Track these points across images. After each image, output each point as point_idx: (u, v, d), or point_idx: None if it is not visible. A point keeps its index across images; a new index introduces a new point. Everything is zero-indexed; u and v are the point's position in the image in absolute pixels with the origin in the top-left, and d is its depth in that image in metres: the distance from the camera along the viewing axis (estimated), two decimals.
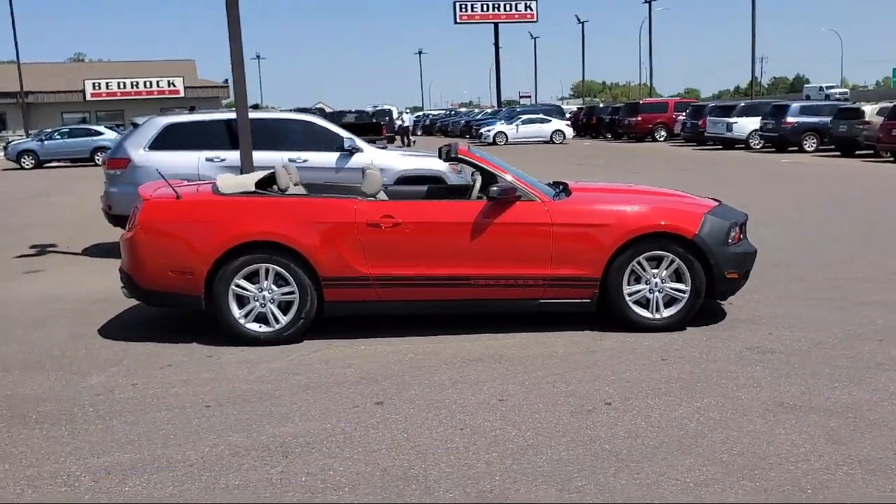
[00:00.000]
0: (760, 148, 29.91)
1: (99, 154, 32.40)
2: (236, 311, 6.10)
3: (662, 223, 6.11)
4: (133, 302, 7.42)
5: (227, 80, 57.94)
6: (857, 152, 26.33)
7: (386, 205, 6.21)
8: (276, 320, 6.12)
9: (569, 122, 40.25)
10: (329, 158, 10.99)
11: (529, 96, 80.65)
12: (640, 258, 6.11)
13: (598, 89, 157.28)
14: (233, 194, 6.31)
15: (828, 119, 27.29)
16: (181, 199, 6.22)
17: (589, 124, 42.80)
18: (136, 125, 11.20)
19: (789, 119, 28.07)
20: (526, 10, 51.13)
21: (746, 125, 30.06)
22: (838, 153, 26.87)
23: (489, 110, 52.43)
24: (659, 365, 5.35)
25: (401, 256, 6.08)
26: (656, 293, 6.16)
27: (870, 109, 25.69)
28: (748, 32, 42.82)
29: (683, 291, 6.14)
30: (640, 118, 37.09)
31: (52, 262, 10.39)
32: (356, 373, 5.41)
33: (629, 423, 4.37)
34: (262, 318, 6.14)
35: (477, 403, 4.73)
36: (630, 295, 6.14)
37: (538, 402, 4.73)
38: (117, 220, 10.64)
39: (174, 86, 53.59)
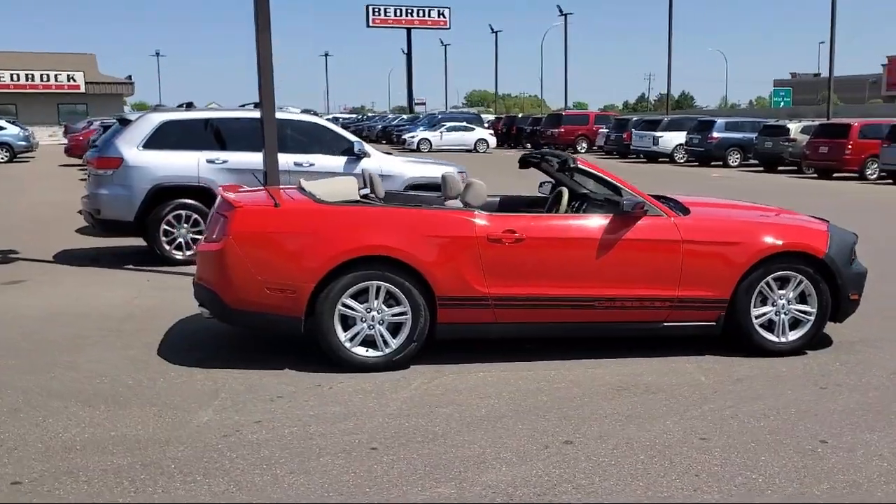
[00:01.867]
0: (684, 162, 30.66)
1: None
2: (342, 334, 5.43)
3: (794, 242, 5.83)
4: (168, 319, 6.67)
5: (130, 76, 55.08)
6: (780, 168, 27.37)
7: (507, 218, 5.68)
8: (386, 344, 5.48)
9: (492, 132, 40.24)
10: (336, 163, 10.32)
11: (424, 103, 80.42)
12: (769, 278, 5.81)
13: (492, 99, 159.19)
14: (336, 203, 5.64)
15: (752, 135, 28.25)
16: (281, 207, 5.50)
17: (509, 134, 42.95)
18: (124, 121, 10.19)
19: (715, 134, 28.90)
20: (439, 17, 50.91)
21: (672, 139, 30.77)
22: (761, 168, 27.86)
23: (405, 116, 51.87)
24: (825, 394, 5.05)
25: (522, 275, 5.56)
26: (782, 315, 5.87)
27: (794, 127, 26.73)
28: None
29: (809, 314, 5.88)
30: (562, 129, 37.44)
31: (28, 271, 9.24)
32: (507, 405, 4.86)
33: (871, 463, 4.02)
34: (368, 342, 5.49)
35: (680, 442, 4.28)
36: (757, 318, 5.83)
37: (743, 440, 4.32)
38: (107, 225, 9.64)
39: (74, 80, 50.22)
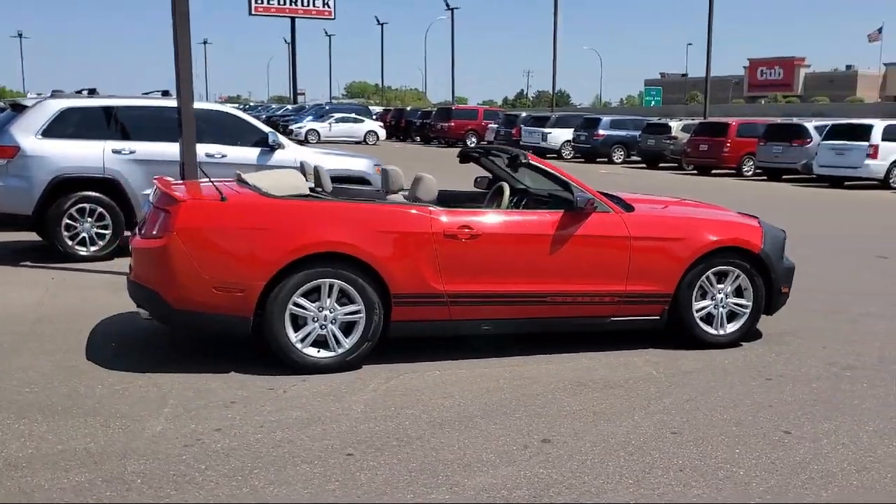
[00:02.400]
0: (571, 158, 31.41)
1: None
2: (292, 335, 5.21)
3: (733, 237, 6.00)
4: (87, 321, 6.28)
5: None
6: (661, 164, 28.46)
7: (462, 214, 5.59)
8: (339, 343, 5.30)
9: (381, 124, 39.93)
10: (250, 154, 9.96)
11: (303, 93, 79.12)
12: (709, 273, 5.97)
13: (372, 91, 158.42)
14: (286, 197, 5.40)
15: (635, 133, 29.24)
16: (229, 201, 5.21)
17: (398, 126, 42.79)
18: (17, 106, 9.46)
19: (601, 132, 29.75)
20: (324, 6, 50.02)
21: (560, 136, 31.49)
22: (644, 165, 28.89)
23: (290, 106, 50.75)
24: (773, 386, 5.22)
25: (477, 271, 5.50)
26: (720, 308, 6.04)
27: (675, 125, 27.83)
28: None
29: (745, 307, 6.08)
30: (452, 124, 37.62)
31: None
32: (472, 404, 4.78)
33: (838, 452, 4.16)
34: (319, 342, 5.30)
35: (653, 437, 4.32)
36: (697, 311, 5.98)
37: (713, 433, 4.40)
38: (2, 219, 8.93)
39: None
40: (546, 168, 5.92)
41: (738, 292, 6.08)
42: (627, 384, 5.19)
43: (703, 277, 5.95)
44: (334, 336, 5.29)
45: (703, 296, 6.01)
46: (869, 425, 4.53)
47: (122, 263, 8.77)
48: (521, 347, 5.80)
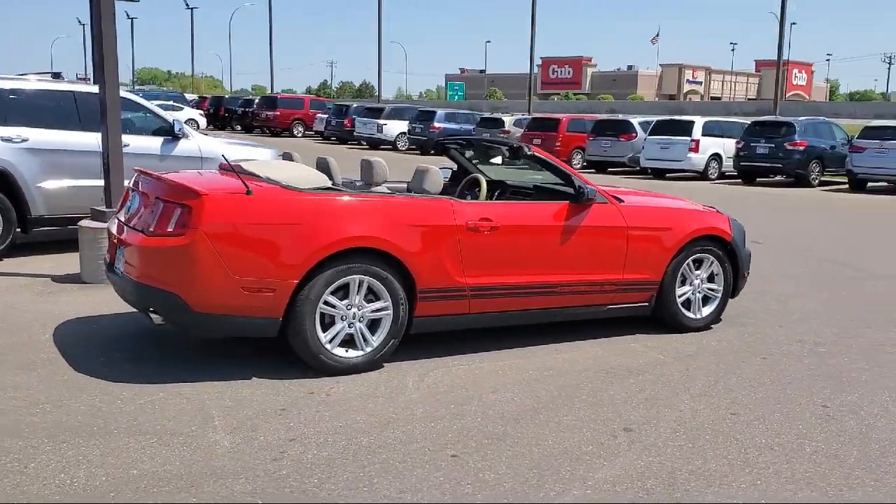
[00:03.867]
0: (406, 149, 31.60)
1: None
2: (322, 335, 4.94)
3: (711, 226, 6.36)
4: (38, 328, 5.72)
5: None
6: None
7: (482, 206, 5.52)
8: (366, 342, 5.09)
9: (201, 112, 38.08)
10: (152, 144, 9.30)
11: (87, 79, 73.84)
12: (689, 260, 6.29)
13: (164, 77, 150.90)
14: (312, 190, 5.09)
15: (469, 126, 29.90)
16: (255, 195, 4.83)
17: (217, 115, 41.00)
18: None
19: (436, 124, 30.14)
20: None
21: (395, 127, 31.56)
22: None
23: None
24: (775, 364, 5.57)
25: (496, 264, 5.47)
26: (697, 294, 6.39)
27: (509, 120, 28.77)
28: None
29: (716, 291, 6.47)
30: (278, 113, 36.64)
31: None
32: (524, 397, 4.76)
33: (882, 422, 4.52)
34: (346, 342, 5.06)
35: (720, 419, 4.50)
36: (679, 297, 6.29)
37: (767, 410, 4.64)
38: None
39: None
40: (549, 160, 5.98)
41: (711, 278, 6.45)
42: (649, 370, 5.37)
43: (685, 264, 6.27)
44: (362, 334, 5.07)
45: (683, 282, 6.32)
46: (884, 395, 4.98)
47: (19, 263, 7.93)
48: (510, 339, 5.80)
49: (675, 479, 3.74)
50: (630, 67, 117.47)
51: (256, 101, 37.09)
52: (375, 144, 31.96)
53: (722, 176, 22.84)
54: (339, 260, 4.90)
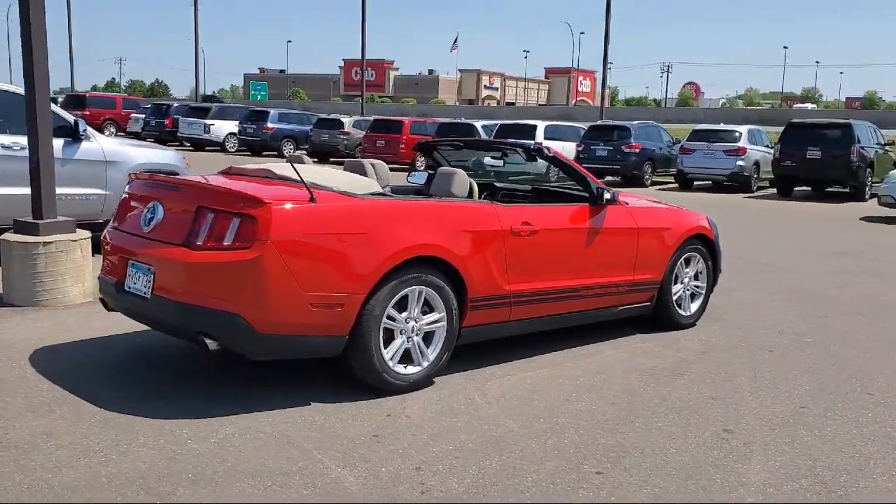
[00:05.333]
0: (235, 151, 30.32)
1: None
2: (385, 352, 4.58)
3: (699, 226, 6.54)
4: (10, 356, 4.90)
5: None
6: (332, 159, 28.85)
7: (521, 210, 5.33)
8: (423, 356, 4.78)
9: None
10: (54, 146, 8.19)
11: None
12: (682, 259, 6.44)
13: None
14: (369, 196, 4.69)
15: (305, 127, 29.22)
16: (319, 203, 4.36)
17: None
18: None
19: (270, 125, 29.19)
20: None
21: (223, 128, 30.17)
22: (315, 159, 29.01)
23: None
24: (784, 356, 5.78)
25: (534, 269, 5.31)
26: (686, 291, 6.56)
27: (348, 121, 28.40)
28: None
29: (701, 288, 6.67)
30: (88, 112, 33.73)
31: None
32: (598, 404, 4.64)
33: None
34: (405, 357, 4.73)
35: (796, 414, 4.59)
36: (674, 295, 6.43)
37: (825, 402, 4.80)
38: None
39: None
40: (568, 162, 5.87)
41: (696, 275, 6.65)
42: (682, 369, 5.42)
43: (678, 263, 6.41)
44: (419, 349, 4.75)
45: (676, 280, 6.47)
46: None
47: None
48: (516, 347, 5.61)
49: (819, 475, 3.78)
50: (431, 72, 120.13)
51: (60, 100, 34.12)
52: (201, 145, 30.41)
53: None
54: (401, 270, 4.55)
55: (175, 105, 33.30)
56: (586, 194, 5.84)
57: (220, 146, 30.29)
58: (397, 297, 4.56)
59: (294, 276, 4.18)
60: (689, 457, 3.95)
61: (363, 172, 5.38)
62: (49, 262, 6.32)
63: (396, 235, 4.54)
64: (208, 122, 30.05)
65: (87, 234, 6.76)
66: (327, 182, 4.65)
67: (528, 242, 5.23)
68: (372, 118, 28.77)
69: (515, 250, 5.15)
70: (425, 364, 4.76)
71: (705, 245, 6.62)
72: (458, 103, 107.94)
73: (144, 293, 4.44)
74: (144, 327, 5.58)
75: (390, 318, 4.57)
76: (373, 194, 4.79)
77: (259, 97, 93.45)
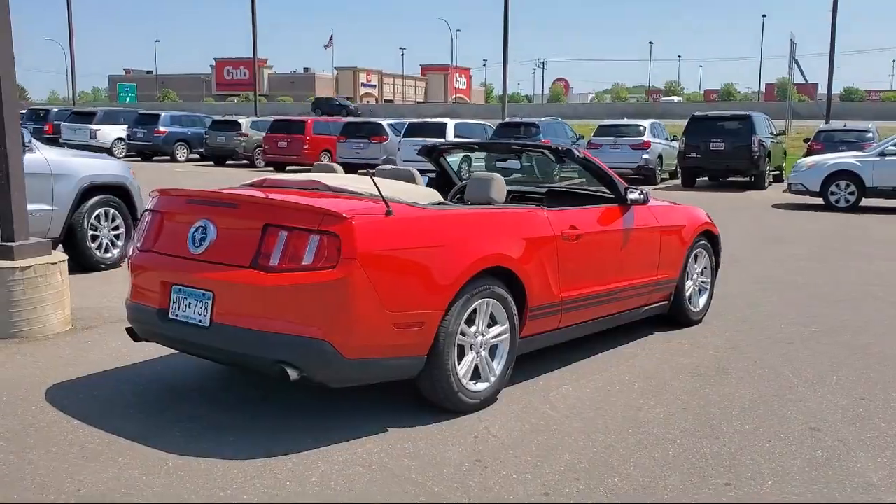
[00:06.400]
0: (124, 156, 28.76)
1: None
2: (459, 370, 4.34)
3: (706, 222, 6.57)
4: (26, 393, 4.45)
5: None
6: (229, 162, 27.88)
7: (566, 214, 5.16)
8: (491, 372, 4.56)
9: None
10: None
11: None
12: (692, 255, 6.46)
13: None
14: (435, 206, 4.41)
15: (199, 130, 28.10)
16: (396, 216, 4.06)
17: None
18: None
19: (161, 128, 27.89)
20: None
21: (111, 133, 28.58)
22: (211, 163, 27.94)
23: None
24: (808, 348, 5.88)
25: (580, 274, 5.17)
26: (695, 287, 6.58)
27: (245, 122, 27.48)
28: None
29: (707, 284, 6.72)
30: None
31: None
32: (668, 407, 4.56)
33: None
34: (473, 373, 4.49)
35: (852, 405, 4.66)
36: (686, 291, 6.43)
37: (881, 395, 4.88)
38: None
39: None
40: (595, 163, 5.72)
41: (702, 271, 6.68)
42: (724, 366, 5.40)
43: (689, 260, 6.42)
44: (487, 364, 4.53)
45: (687, 277, 6.47)
46: None
47: None
48: (549, 354, 5.51)
49: None
50: (306, 70, 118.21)
51: None
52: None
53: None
54: (474, 282, 4.31)
55: (55, 110, 31.32)
56: (611, 195, 5.75)
57: (107, 152, 28.65)
58: (469, 311, 4.32)
59: (379, 295, 3.88)
60: (799, 459, 3.90)
61: (412, 180, 5.08)
62: (27, 288, 5.70)
63: (470, 246, 4.31)
64: (94, 127, 28.38)
65: (64, 255, 6.15)
66: (389, 193, 4.34)
67: (574, 247, 5.08)
68: (271, 118, 27.91)
69: (566, 255, 5.00)
70: (493, 379, 4.54)
71: (710, 240, 6.66)
72: None
73: (200, 321, 4.02)
74: (150, 356, 5.22)
75: (462, 333, 4.32)
76: (437, 204, 4.52)
77: (128, 99, 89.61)
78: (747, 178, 20.74)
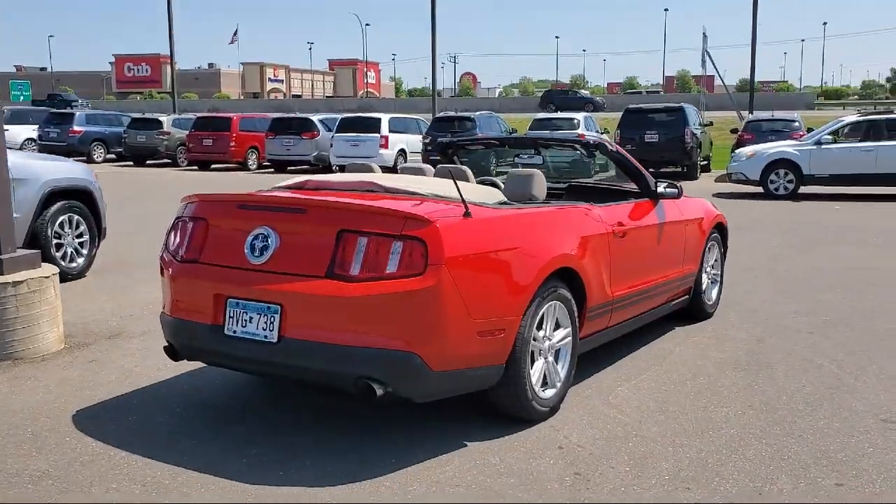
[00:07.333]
0: None
1: None
2: (533, 377, 4.13)
3: (719, 213, 6.53)
4: (58, 417, 4.09)
5: None
6: (150, 162, 26.84)
7: (612, 210, 4.99)
8: (558, 377, 4.36)
9: None
10: None
11: None
12: (706, 247, 6.40)
13: None
14: (503, 205, 4.18)
15: (118, 129, 26.94)
16: (475, 217, 3.80)
17: None
18: None
19: (76, 128, 26.60)
20: None
21: (20, 133, 27.05)
22: (131, 163, 26.82)
23: None
24: (831, 336, 5.91)
25: (627, 271, 5.02)
26: (708, 280, 6.53)
27: (167, 120, 26.48)
28: None
29: (717, 276, 6.69)
30: None
31: None
32: (740, 406, 4.46)
33: None
34: (542, 380, 4.29)
35: None
36: (702, 284, 6.38)
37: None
38: None
39: None
40: (626, 157, 5.56)
41: (713, 263, 6.64)
42: (763, 360, 5.32)
43: (705, 252, 6.36)
44: (555, 369, 4.33)
45: (702, 270, 6.42)
46: None
47: None
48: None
49: None
50: (211, 65, 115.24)
51: None
52: None
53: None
54: (545, 285, 4.11)
55: None
56: (637, 189, 5.63)
57: None
58: (539, 314, 4.11)
59: (465, 302, 3.64)
60: (887, 456, 3.84)
61: (465, 178, 4.82)
62: (21, 305, 5.19)
63: (542, 248, 4.10)
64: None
65: (55, 268, 5.64)
66: (452, 192, 4.08)
67: (622, 244, 4.93)
68: (194, 116, 26.96)
69: (615, 253, 4.84)
70: (559, 385, 4.35)
71: (720, 232, 6.63)
72: (242, 97, 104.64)
73: (266, 336, 3.69)
74: (168, 374, 4.84)
75: (534, 339, 4.12)
76: (503, 203, 4.29)
77: (22, 98, 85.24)
78: (680, 169, 21.15)
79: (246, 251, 3.81)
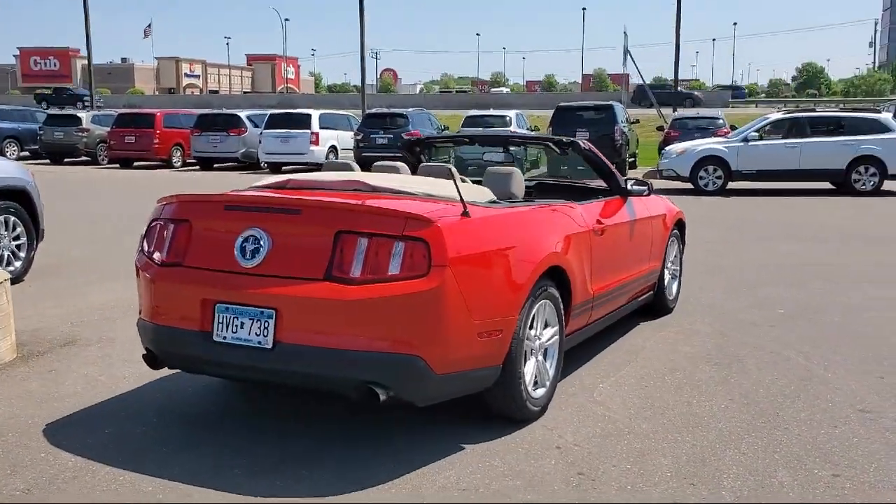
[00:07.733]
0: None
1: None
2: (527, 377, 4.09)
3: (679, 210, 6.63)
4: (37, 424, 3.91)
5: None
6: (68, 160, 25.87)
7: (588, 207, 4.99)
8: (548, 376, 4.34)
9: None
10: None
11: None
12: (668, 243, 6.48)
13: None
14: (495, 204, 4.12)
15: (34, 125, 25.88)
16: (474, 216, 3.73)
17: None
18: None
19: None
20: None
21: None
22: (48, 161, 25.78)
23: None
24: (795, 331, 6.06)
25: (605, 268, 5.04)
26: (669, 275, 6.62)
27: (86, 117, 25.56)
28: None
29: (677, 270, 6.80)
30: None
31: None
32: (722, 399, 4.53)
33: None
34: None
35: (889, 391, 4.81)
36: (665, 280, 6.46)
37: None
38: None
39: None
40: (598, 156, 5.56)
41: (673, 259, 6.73)
42: (733, 354, 5.40)
43: (667, 248, 6.45)
44: (543, 368, 4.31)
45: (664, 266, 6.50)
46: None
47: None
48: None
49: None
50: (125, 60, 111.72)
51: None
52: None
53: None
54: (538, 284, 4.08)
55: None
56: (608, 186, 5.66)
57: None
58: (532, 313, 4.08)
59: (467, 303, 3.57)
60: (878, 443, 3.95)
61: (451, 178, 4.73)
62: None
63: (536, 247, 4.08)
64: None
65: (5, 272, 5.33)
66: (445, 192, 4.01)
67: (600, 241, 4.94)
68: (115, 112, 26.08)
69: (596, 250, 4.85)
70: (548, 384, 4.32)
71: (679, 228, 6.73)
72: (156, 92, 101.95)
73: (259, 342, 3.55)
74: (135, 383, 4.62)
75: (527, 338, 4.08)
76: (493, 202, 4.23)
77: None
78: None
79: (236, 254, 3.66)
